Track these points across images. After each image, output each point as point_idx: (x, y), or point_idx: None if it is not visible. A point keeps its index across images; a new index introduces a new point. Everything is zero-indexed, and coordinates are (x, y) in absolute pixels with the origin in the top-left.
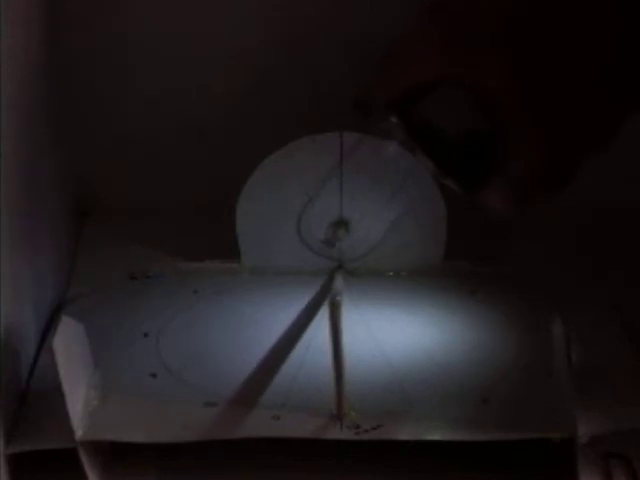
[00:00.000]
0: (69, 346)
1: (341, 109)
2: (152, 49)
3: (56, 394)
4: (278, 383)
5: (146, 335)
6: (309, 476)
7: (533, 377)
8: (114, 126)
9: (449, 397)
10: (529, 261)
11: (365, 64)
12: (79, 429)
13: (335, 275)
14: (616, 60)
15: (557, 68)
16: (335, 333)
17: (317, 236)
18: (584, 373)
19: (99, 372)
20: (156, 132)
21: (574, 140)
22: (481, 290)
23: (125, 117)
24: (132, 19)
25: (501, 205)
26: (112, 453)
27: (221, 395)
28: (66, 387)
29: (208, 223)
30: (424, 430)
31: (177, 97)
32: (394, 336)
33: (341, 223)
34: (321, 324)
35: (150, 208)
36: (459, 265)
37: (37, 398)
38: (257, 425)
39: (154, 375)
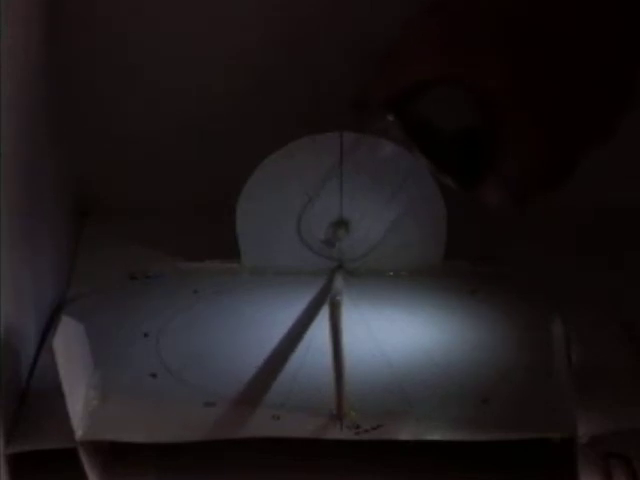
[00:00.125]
0: (69, 346)
1: (341, 109)
2: (152, 49)
3: (56, 394)
4: (278, 383)
5: (146, 335)
6: (309, 476)
7: (533, 377)
8: (114, 126)
9: (449, 397)
10: (529, 261)
11: (365, 64)
12: (79, 429)
13: (335, 275)
14: (616, 60)
15: (557, 68)
16: (335, 333)
17: (317, 236)
18: (584, 373)
19: (99, 372)
20: (156, 132)
21: (574, 140)
22: (481, 290)
23: (125, 117)
24: (132, 19)
25: (499, 202)
26: (112, 453)
27: (221, 395)
28: (66, 387)
29: (208, 223)
30: (424, 430)
31: (177, 97)
32: (394, 336)
33: (341, 223)
34: (321, 324)
35: (150, 208)
36: (459, 265)
37: (37, 398)
38: (257, 425)
39: (154, 375)
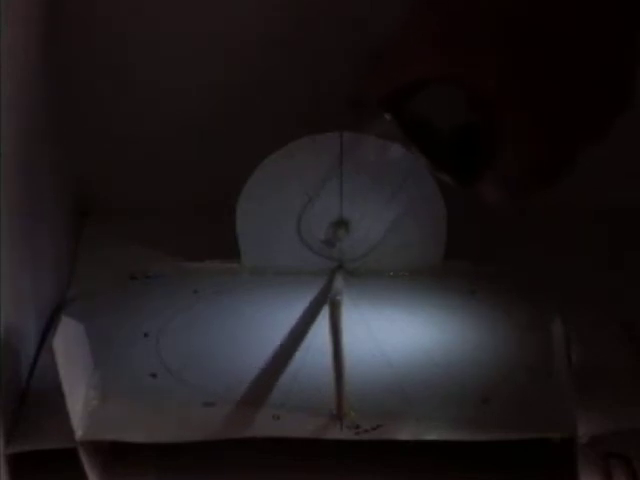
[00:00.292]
0: (69, 346)
1: (341, 109)
2: (152, 49)
3: (56, 394)
4: (278, 383)
5: (146, 335)
6: (309, 476)
7: (533, 377)
8: (114, 126)
9: (449, 397)
10: (529, 261)
11: (365, 64)
12: (79, 429)
13: (335, 275)
14: (615, 60)
15: (557, 68)
16: (335, 333)
17: (317, 236)
18: (584, 373)
19: (99, 372)
20: (156, 132)
21: (573, 139)
22: (481, 290)
23: (125, 117)
24: (132, 19)
25: (498, 200)
26: (112, 453)
27: (221, 395)
28: (66, 387)
29: (208, 223)
30: (424, 430)
31: (177, 97)
32: (394, 336)
33: (341, 223)
34: (321, 324)
35: (150, 208)
36: (459, 265)
37: (37, 398)
38: (257, 425)
39: (154, 375)
